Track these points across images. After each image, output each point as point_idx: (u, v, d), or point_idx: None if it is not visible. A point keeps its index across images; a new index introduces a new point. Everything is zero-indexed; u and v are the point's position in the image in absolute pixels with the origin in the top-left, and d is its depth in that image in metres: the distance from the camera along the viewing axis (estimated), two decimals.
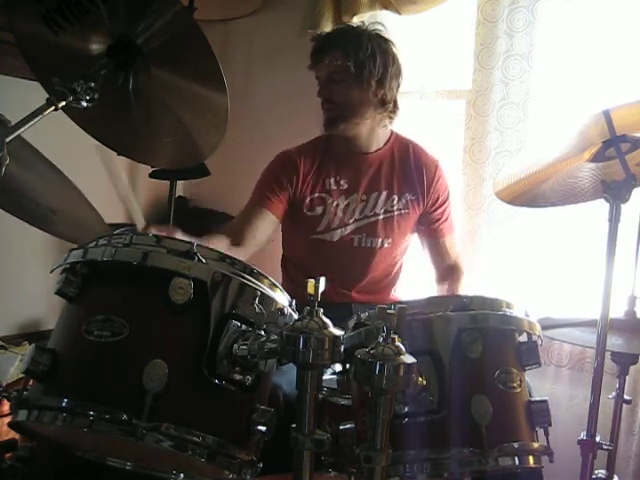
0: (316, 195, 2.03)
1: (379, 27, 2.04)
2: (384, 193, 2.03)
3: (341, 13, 2.55)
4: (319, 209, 2.02)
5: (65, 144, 2.08)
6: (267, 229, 2.01)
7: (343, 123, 1.96)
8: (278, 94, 2.90)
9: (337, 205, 2.02)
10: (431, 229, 2.11)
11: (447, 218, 2.12)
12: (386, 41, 2.00)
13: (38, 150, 1.44)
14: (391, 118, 2.03)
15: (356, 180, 2.03)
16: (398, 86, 2.02)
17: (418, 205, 2.06)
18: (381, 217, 2.03)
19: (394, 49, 2.01)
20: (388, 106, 1.98)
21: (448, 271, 2.12)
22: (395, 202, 2.04)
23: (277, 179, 2.02)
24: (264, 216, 1.99)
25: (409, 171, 2.06)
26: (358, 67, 1.92)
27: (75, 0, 1.22)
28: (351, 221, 2.03)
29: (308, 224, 2.03)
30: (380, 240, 2.03)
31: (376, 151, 2.05)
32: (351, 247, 2.03)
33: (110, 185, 2.51)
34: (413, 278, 2.30)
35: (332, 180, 2.03)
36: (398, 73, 2.00)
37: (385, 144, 2.07)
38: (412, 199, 2.05)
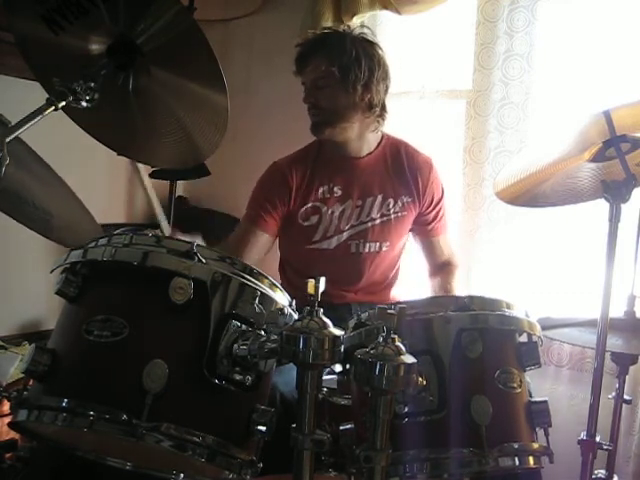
0: (310, 205, 2.01)
1: (364, 30, 2.01)
2: (379, 197, 2.02)
3: (341, 13, 2.55)
4: (314, 218, 2.01)
5: (64, 144, 2.09)
6: (263, 247, 2.04)
7: (329, 128, 1.94)
8: (278, 94, 2.90)
9: (332, 212, 2.01)
10: (425, 229, 2.11)
11: (441, 218, 2.12)
12: (371, 44, 1.97)
13: (34, 151, 1.44)
14: (379, 122, 2.00)
15: (349, 186, 2.02)
16: (386, 89, 1.99)
17: (414, 207, 2.05)
18: (377, 221, 2.02)
19: (380, 52, 1.98)
20: (375, 110, 1.95)
21: (440, 267, 2.14)
22: (391, 205, 2.02)
23: (269, 198, 2.02)
24: (259, 236, 2.02)
25: (403, 173, 2.05)
26: (343, 72, 1.89)
27: (75, 0, 1.22)
28: (347, 227, 2.01)
29: (304, 234, 2.02)
30: (377, 244, 2.02)
31: (367, 155, 2.03)
32: (348, 253, 2.02)
33: (112, 185, 2.52)
34: (412, 278, 2.30)
35: (325, 188, 2.01)
36: (385, 76, 1.97)
37: (376, 147, 2.05)
38: (408, 201, 2.04)
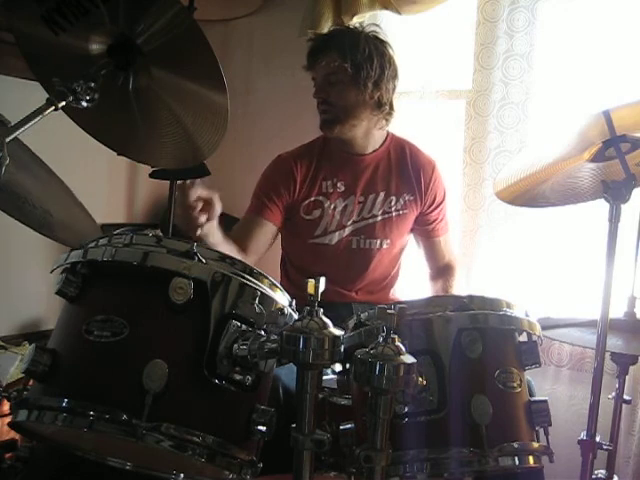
0: (313, 199, 2.02)
1: (376, 29, 2.03)
2: (382, 194, 2.04)
3: (341, 13, 2.55)
4: (316, 212, 2.02)
5: (64, 144, 2.09)
6: (268, 238, 2.04)
7: (339, 125, 1.95)
8: (278, 94, 2.90)
9: (334, 208, 2.02)
10: (427, 229, 2.12)
11: (443, 218, 2.13)
12: (383, 43, 2.00)
13: (34, 153, 1.44)
14: (387, 120, 2.02)
15: (353, 182, 2.03)
16: (394, 88, 2.01)
17: (416, 205, 2.07)
18: (379, 218, 2.03)
19: (391, 51, 2.01)
20: (384, 108, 1.98)
21: (441, 270, 2.15)
22: (393, 203, 2.04)
23: (274, 187, 2.03)
24: (263, 225, 2.02)
25: (406, 172, 2.07)
26: (355, 69, 1.91)
27: (75, 0, 1.22)
28: (349, 223, 2.03)
29: (306, 228, 2.03)
30: (378, 241, 2.03)
31: (372, 152, 2.05)
32: (349, 249, 2.03)
33: (112, 185, 2.51)
34: (412, 278, 2.30)
35: (329, 183, 2.03)
36: (394, 75, 2.00)
37: (381, 145, 2.07)
38: (410, 200, 2.05)
